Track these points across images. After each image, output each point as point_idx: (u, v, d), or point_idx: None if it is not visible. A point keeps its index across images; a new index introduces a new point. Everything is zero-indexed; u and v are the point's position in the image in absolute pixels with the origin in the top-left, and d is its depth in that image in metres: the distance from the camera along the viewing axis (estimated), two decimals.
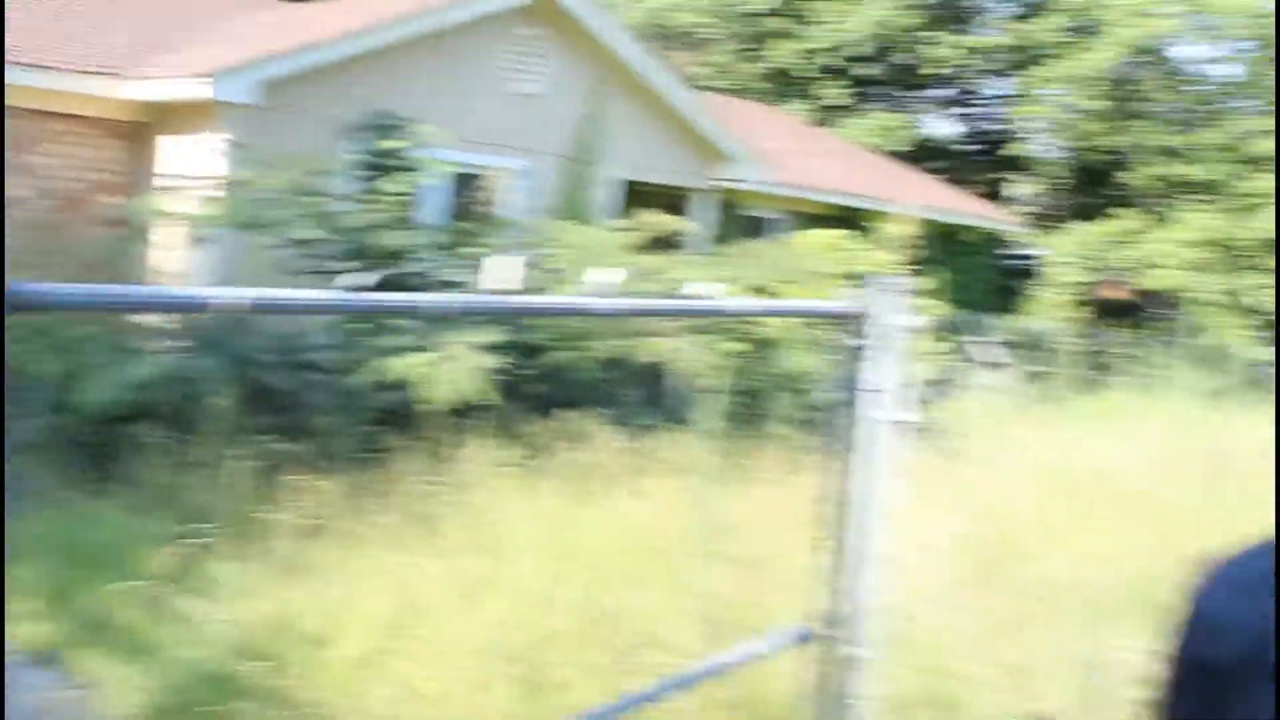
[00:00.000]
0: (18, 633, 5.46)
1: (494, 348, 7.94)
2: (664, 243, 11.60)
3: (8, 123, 9.64)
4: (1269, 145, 23.17)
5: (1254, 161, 22.99)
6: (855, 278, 13.12)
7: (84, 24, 11.60)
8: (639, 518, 6.33)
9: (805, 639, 3.26)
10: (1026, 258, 25.31)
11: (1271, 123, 22.66)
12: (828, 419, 3.16)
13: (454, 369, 7.38)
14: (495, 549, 5.90)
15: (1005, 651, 4.98)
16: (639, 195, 13.45)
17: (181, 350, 8.20)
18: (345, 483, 6.81)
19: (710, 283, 9.83)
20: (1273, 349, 9.40)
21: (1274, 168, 11.94)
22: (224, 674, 4.87)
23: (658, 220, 11.81)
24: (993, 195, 28.53)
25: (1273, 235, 21.08)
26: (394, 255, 8.79)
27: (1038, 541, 6.50)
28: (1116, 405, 15.15)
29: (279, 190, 8.41)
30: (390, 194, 9.34)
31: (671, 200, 14.17)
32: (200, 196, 8.86)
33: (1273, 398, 8.50)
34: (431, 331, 7.93)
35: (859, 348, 3.01)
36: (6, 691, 3.73)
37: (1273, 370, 8.99)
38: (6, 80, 9.32)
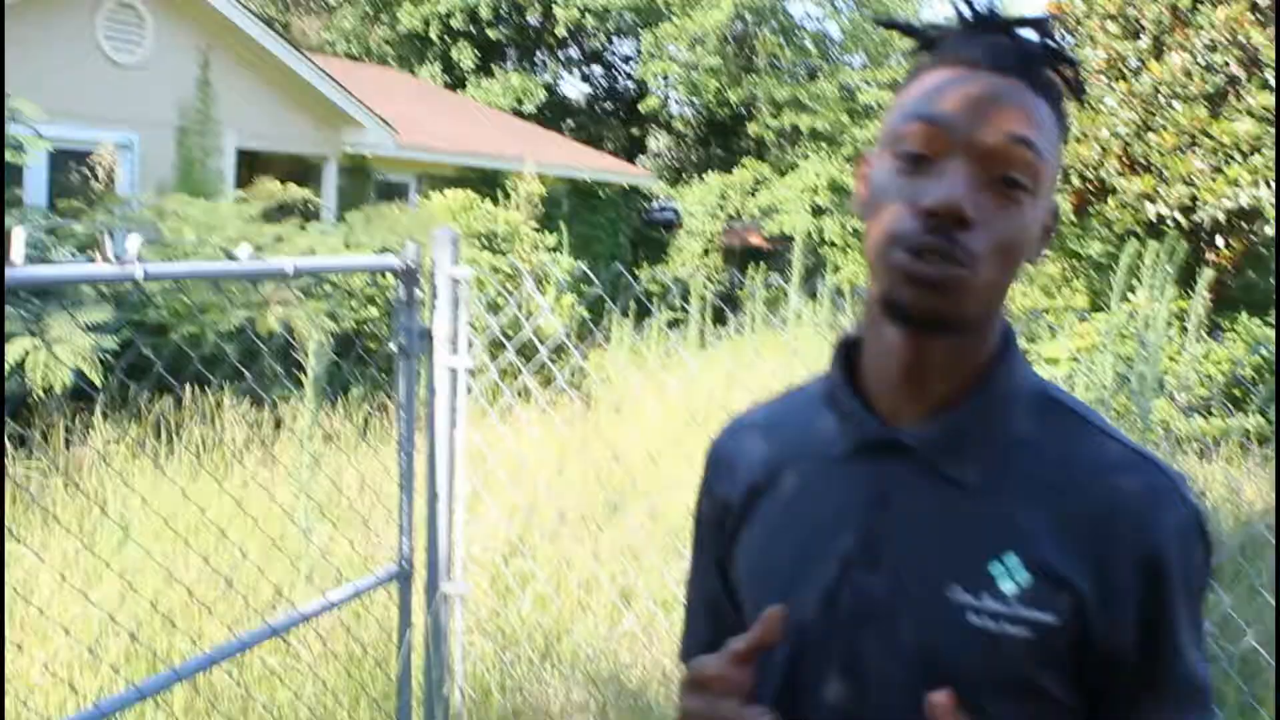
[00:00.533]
0: None
1: (106, 328, 7.75)
2: (292, 211, 11.49)
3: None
4: (874, 96, 24.88)
5: (863, 111, 24.62)
6: (485, 236, 13.39)
7: None
8: (261, 488, 6.36)
9: (397, 578, 3.43)
10: (665, 210, 26.24)
11: (872, 75, 24.26)
12: (396, 371, 3.32)
13: (62, 352, 7.17)
14: (114, 529, 5.83)
15: (610, 581, 5.31)
16: (263, 164, 13.25)
17: None
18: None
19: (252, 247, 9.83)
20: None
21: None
22: None
23: (279, 189, 11.70)
24: (629, 151, 29.38)
25: None
26: None
27: (655, 477, 6.88)
28: (745, 345, 15.98)
29: None
30: None
31: (299, 168, 14.02)
32: None
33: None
34: (37, 316, 7.67)
35: (411, 300, 3.18)
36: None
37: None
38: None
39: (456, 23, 26.41)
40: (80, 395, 7.41)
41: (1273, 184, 11.52)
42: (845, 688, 1.24)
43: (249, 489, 6.29)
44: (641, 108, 27.50)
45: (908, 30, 1.29)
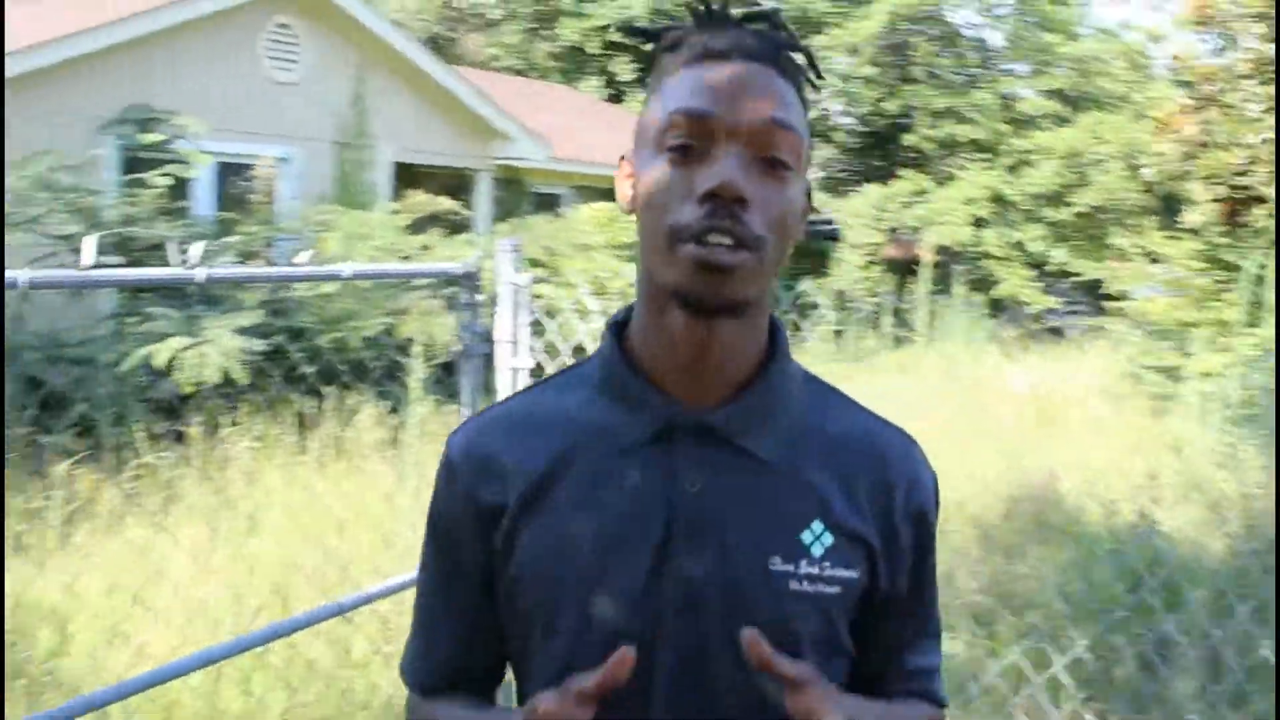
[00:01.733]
0: None
1: (256, 331, 8.30)
2: (443, 223, 11.96)
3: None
4: (1035, 105, 24.47)
5: (1024, 121, 24.29)
6: (630, 247, 13.70)
7: None
8: (386, 482, 6.76)
9: None
10: (824, 222, 26.23)
11: (1032, 83, 23.88)
12: (458, 372, 3.59)
13: (213, 352, 7.70)
14: (245, 520, 6.29)
15: None
16: (419, 177, 13.77)
17: None
18: (110, 467, 7.12)
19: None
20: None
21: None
22: None
23: (431, 201, 12.20)
24: None
25: (1040, 189, 22.38)
26: (158, 247, 9.00)
27: None
28: (903, 358, 15.99)
29: (31, 186, 8.58)
30: (152, 186, 9.55)
31: (454, 181, 14.53)
32: None
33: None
34: (193, 318, 8.24)
35: (473, 304, 3.46)
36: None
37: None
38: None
39: (615, 36, 26.84)
40: (231, 393, 7.96)
41: None
42: (680, 674, 1.27)
43: (373, 483, 6.72)
44: None
45: (647, 34, 1.36)
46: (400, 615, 4.92)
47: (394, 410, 8.09)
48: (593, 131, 19.23)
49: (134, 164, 10.44)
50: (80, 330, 8.71)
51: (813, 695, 1.18)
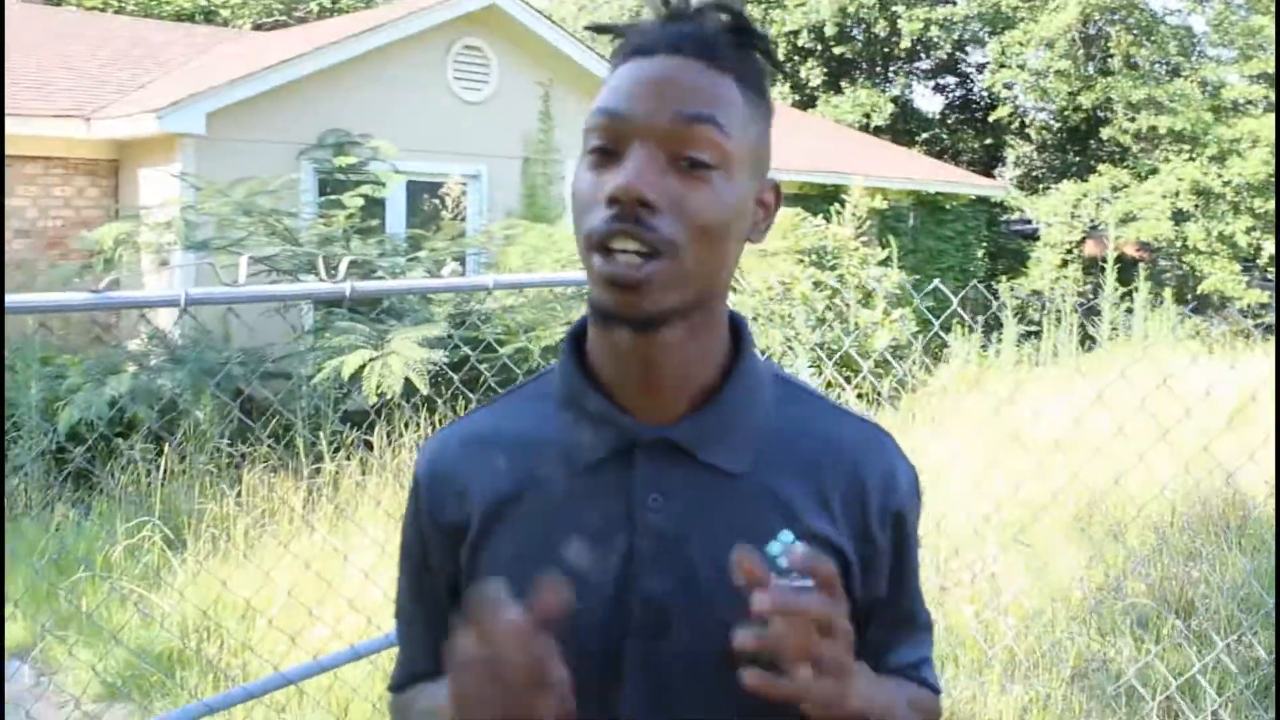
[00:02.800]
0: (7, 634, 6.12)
1: (442, 342, 8.56)
2: None
3: (7, 130, 10.10)
4: (1242, 91, 23.45)
5: (1229, 108, 23.31)
6: (815, 252, 13.66)
7: (58, 71, 12.28)
8: None
9: None
10: (1020, 220, 25.66)
11: (1238, 69, 22.90)
12: None
13: (397, 364, 7.99)
14: None
15: None
16: None
17: (154, 367, 8.81)
18: (301, 474, 7.48)
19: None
20: (1273, 340, 9.71)
21: (1274, 155, 12.24)
22: (170, 650, 5.50)
23: None
24: (986, 162, 28.88)
25: (1258, 178, 21.41)
26: (353, 264, 9.36)
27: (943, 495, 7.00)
28: (1095, 358, 15.52)
29: (234, 211, 9.05)
30: (347, 207, 9.95)
31: None
32: (160, 223, 9.49)
33: (1271, 389, 8.91)
34: (381, 331, 8.56)
35: None
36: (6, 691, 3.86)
37: (1272, 360, 9.41)
38: (6, 84, 9.75)
39: (804, 41, 26.79)
40: (416, 402, 8.26)
41: None
42: (648, 696, 1.23)
43: None
44: (994, 117, 27.03)
45: (609, 30, 1.27)
46: None
47: None
48: (780, 136, 19.19)
49: (330, 186, 10.90)
50: (282, 345, 9.13)
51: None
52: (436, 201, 11.72)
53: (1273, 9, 21.34)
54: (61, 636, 5.87)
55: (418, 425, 8.25)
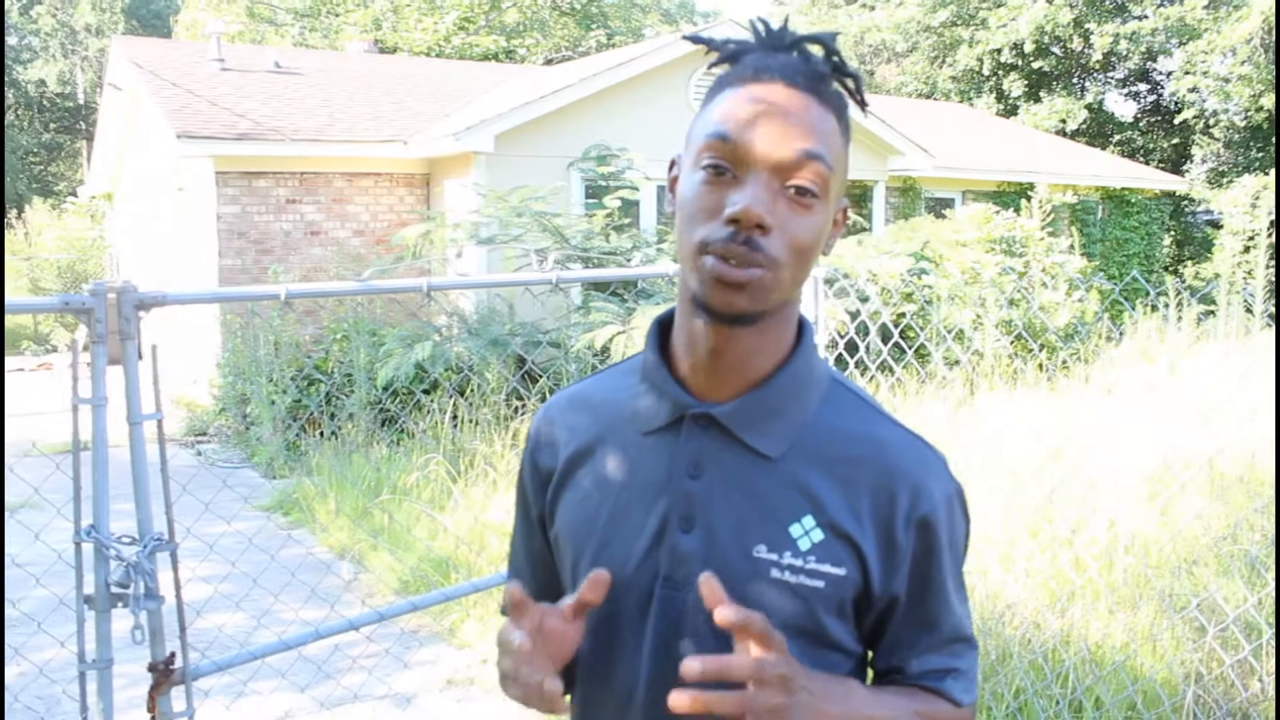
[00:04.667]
0: (332, 540, 6.68)
1: None
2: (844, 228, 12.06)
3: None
4: None
5: None
6: (1004, 241, 13.30)
7: (375, 106, 13.03)
8: None
9: None
10: (1205, 212, 24.31)
11: None
12: None
13: (638, 337, 8.24)
14: None
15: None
16: None
17: (453, 338, 9.33)
18: None
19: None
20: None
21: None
22: (447, 557, 5.89)
23: None
24: (1175, 161, 27.37)
25: None
26: (608, 255, 9.69)
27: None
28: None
29: (512, 213, 9.48)
30: (606, 208, 10.27)
31: (856, 192, 14.61)
32: (455, 223, 10.02)
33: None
34: (630, 309, 8.85)
35: None
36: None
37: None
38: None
39: (1006, 57, 25.91)
40: None
41: None
42: (663, 639, 1.22)
43: None
44: (1182, 119, 25.57)
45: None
46: None
47: None
48: (980, 141, 18.73)
49: (593, 191, 11.27)
50: (554, 320, 9.52)
51: (765, 651, 1.07)
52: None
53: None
54: (368, 542, 6.37)
55: None
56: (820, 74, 1.15)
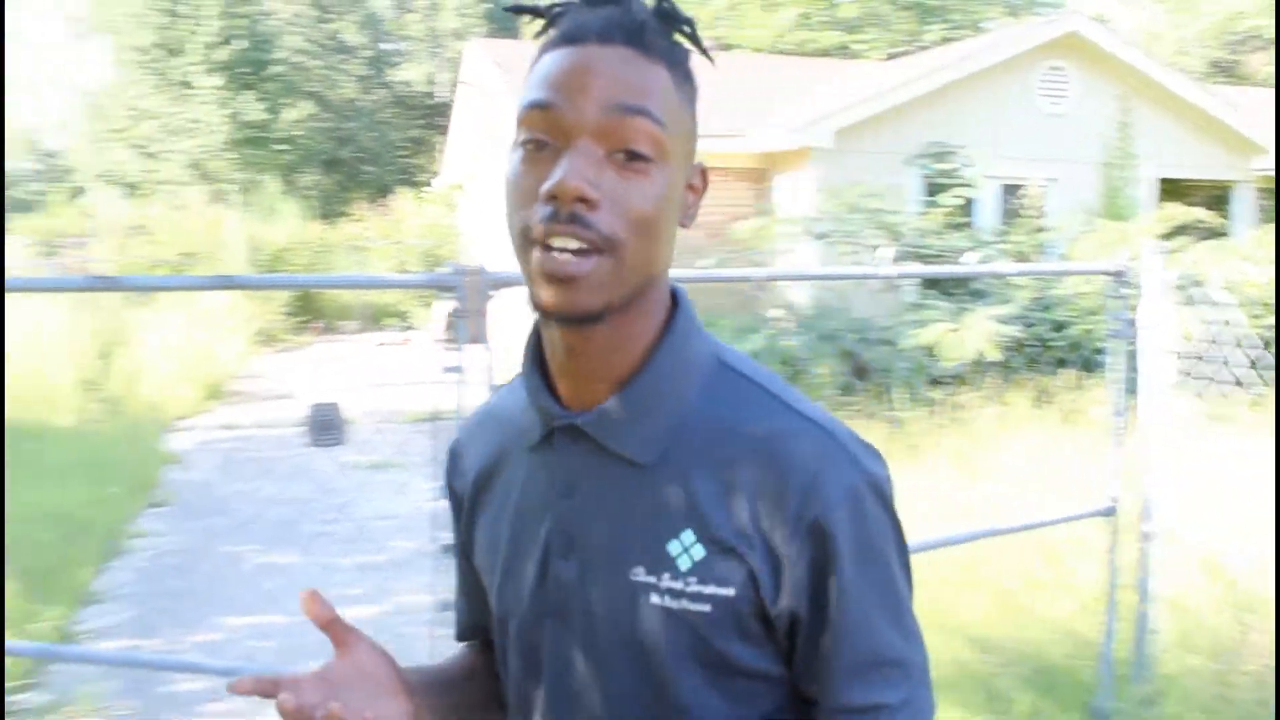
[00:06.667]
0: None
1: (1017, 319, 8.64)
2: (1198, 230, 11.38)
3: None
4: None
5: None
6: None
7: (714, 102, 13.38)
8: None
9: (1105, 514, 3.81)
10: None
11: None
12: (1112, 352, 3.69)
13: (971, 336, 8.15)
14: (976, 471, 6.68)
15: None
16: (1181, 191, 13.12)
17: (784, 331, 9.52)
18: (885, 421, 7.88)
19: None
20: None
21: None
22: None
23: (1185, 212, 11.64)
24: None
25: None
26: (942, 253, 9.61)
27: None
28: None
29: (848, 209, 9.56)
30: (941, 206, 10.17)
31: (1215, 193, 13.70)
32: (790, 218, 10.20)
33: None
34: (962, 309, 8.74)
35: (1120, 296, 3.57)
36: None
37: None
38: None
39: None
40: (980, 369, 8.41)
41: None
42: (555, 676, 1.09)
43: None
44: None
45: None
46: (1057, 546, 5.09)
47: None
48: None
49: (930, 189, 11.15)
50: (888, 317, 9.54)
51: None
52: (1019, 202, 11.62)
53: None
54: None
55: (988, 388, 8.35)
56: (640, 24, 0.99)
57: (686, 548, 1.01)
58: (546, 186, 0.94)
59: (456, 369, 2.55)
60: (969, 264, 9.13)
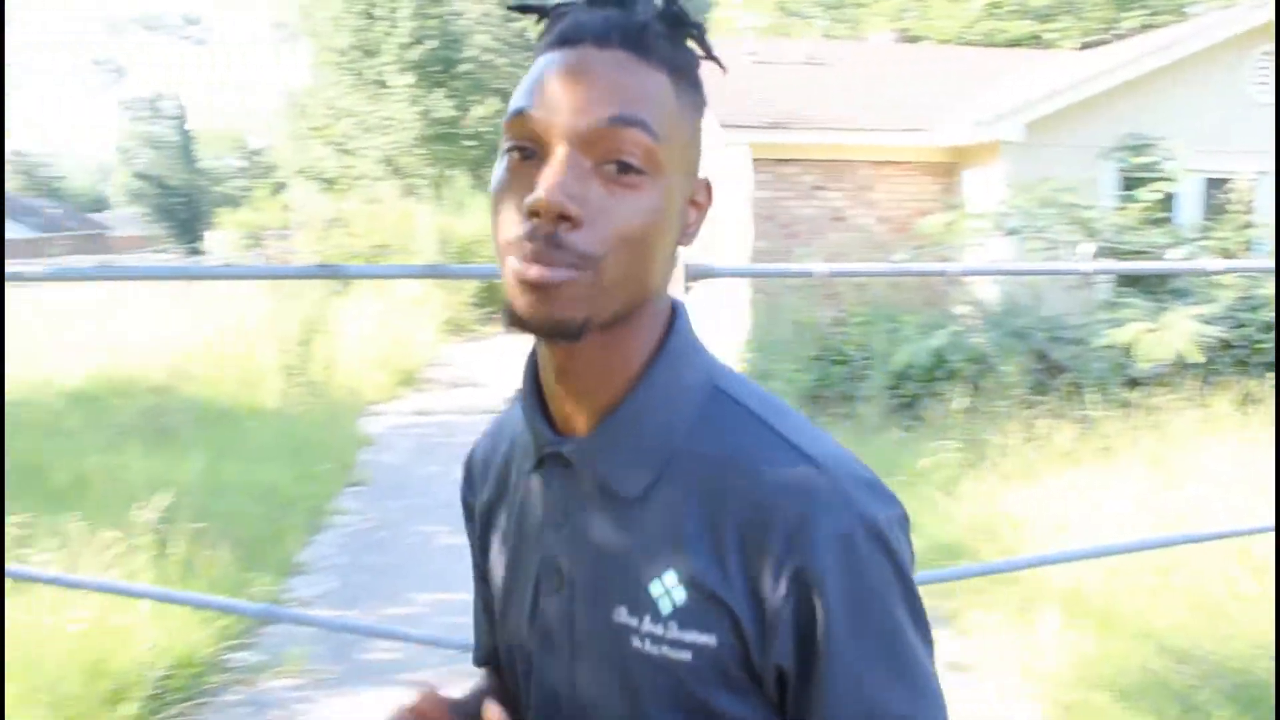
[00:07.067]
0: None
1: (1222, 319, 8.28)
2: None
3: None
4: None
5: None
6: None
7: (899, 95, 13.20)
8: None
9: None
10: None
11: None
12: None
13: (1170, 336, 7.84)
14: (1173, 475, 6.43)
15: None
16: None
17: (971, 327, 9.36)
18: (1076, 421, 7.66)
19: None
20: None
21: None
22: (955, 543, 5.97)
23: None
24: None
25: None
26: (1141, 250, 9.27)
27: None
28: None
29: (1039, 204, 9.32)
30: (1139, 201, 9.80)
31: None
32: (979, 212, 9.99)
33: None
34: (1161, 308, 8.42)
35: None
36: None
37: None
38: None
39: None
40: (1179, 370, 8.10)
41: None
42: (545, 709, 1.04)
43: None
44: None
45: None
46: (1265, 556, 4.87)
47: None
48: None
49: (1127, 183, 10.75)
50: (1081, 315, 9.27)
51: None
52: (1225, 196, 11.09)
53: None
54: None
55: (1188, 390, 8.03)
56: (642, 27, 0.92)
57: (668, 589, 0.95)
58: (529, 201, 0.88)
59: None
60: (1172, 260, 8.79)
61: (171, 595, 3.30)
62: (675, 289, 2.69)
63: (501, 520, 1.11)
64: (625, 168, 0.89)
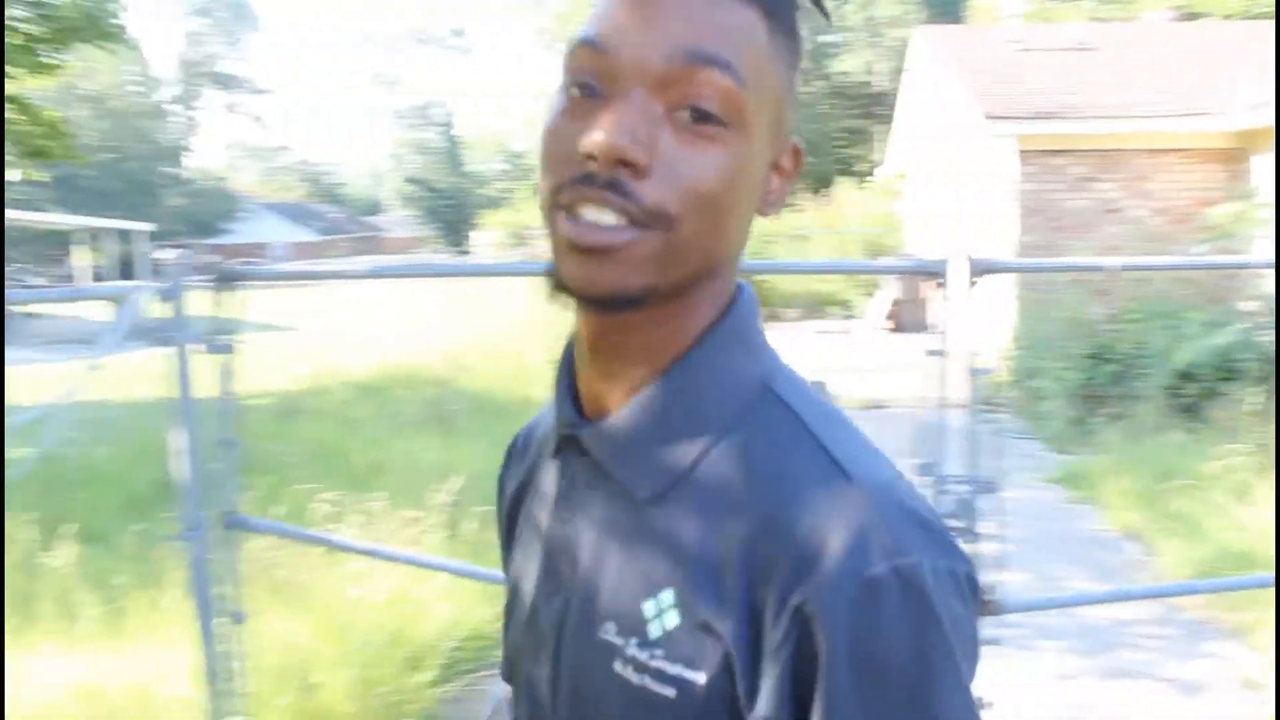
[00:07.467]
0: (1119, 518, 6.75)
1: None
2: None
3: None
4: None
5: None
6: None
7: (1178, 78, 12.50)
8: None
9: None
10: None
11: None
12: None
13: None
14: None
15: None
16: None
17: (1263, 324, 8.80)
18: None
19: None
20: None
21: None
22: (1246, 552, 5.60)
23: None
24: None
25: None
26: None
27: None
28: None
29: None
30: None
31: None
32: (1269, 202, 9.37)
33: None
34: None
35: None
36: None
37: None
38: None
39: None
40: None
41: None
42: (542, 707, 0.91)
43: None
44: None
45: None
46: None
47: None
48: None
49: None
50: None
51: None
52: None
53: None
54: (1156, 525, 6.31)
55: None
56: None
57: (661, 610, 0.80)
58: (583, 144, 0.75)
59: (939, 353, 2.65)
60: None
61: (472, 570, 3.56)
62: (958, 285, 2.70)
63: (525, 516, 0.99)
64: (702, 116, 0.76)
